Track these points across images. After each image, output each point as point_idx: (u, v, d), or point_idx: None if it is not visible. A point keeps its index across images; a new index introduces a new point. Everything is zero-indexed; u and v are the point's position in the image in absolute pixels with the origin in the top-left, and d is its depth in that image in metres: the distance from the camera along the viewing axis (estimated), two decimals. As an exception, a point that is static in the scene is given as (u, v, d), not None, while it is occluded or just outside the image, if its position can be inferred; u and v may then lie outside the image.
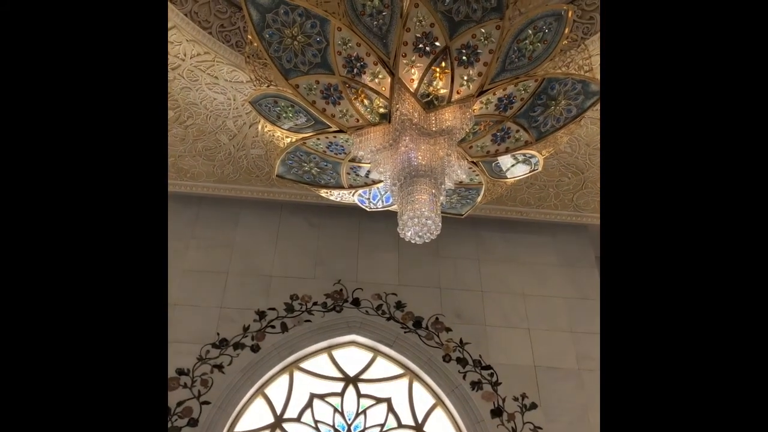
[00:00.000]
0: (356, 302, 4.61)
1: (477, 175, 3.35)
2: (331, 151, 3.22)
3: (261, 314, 4.45)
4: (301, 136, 3.17)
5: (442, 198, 2.93)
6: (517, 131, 3.09)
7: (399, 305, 4.63)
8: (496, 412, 4.15)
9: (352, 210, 4.19)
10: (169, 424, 3.85)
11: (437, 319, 4.58)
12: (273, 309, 4.49)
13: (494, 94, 2.89)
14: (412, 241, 2.94)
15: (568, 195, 4.85)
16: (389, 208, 3.61)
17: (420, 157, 2.83)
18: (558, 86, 2.89)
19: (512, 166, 3.38)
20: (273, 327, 4.40)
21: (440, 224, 2.86)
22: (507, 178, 3.45)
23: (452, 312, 4.63)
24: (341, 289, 4.67)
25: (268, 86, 3.00)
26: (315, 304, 4.57)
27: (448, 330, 4.53)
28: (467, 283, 4.81)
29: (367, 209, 3.71)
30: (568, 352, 4.48)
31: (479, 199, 3.51)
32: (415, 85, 2.80)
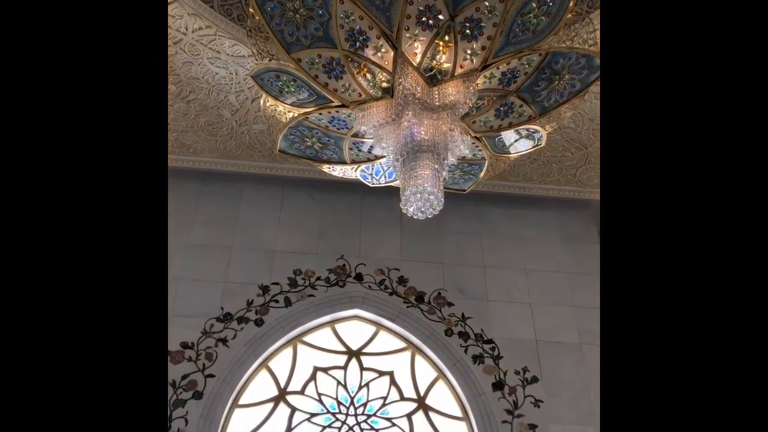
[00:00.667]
0: (359, 277, 4.64)
1: (480, 150, 3.34)
2: (334, 126, 3.21)
3: (264, 289, 4.48)
4: (303, 110, 3.16)
5: (444, 173, 2.92)
6: (521, 106, 3.07)
7: (401, 280, 4.65)
8: (498, 386, 4.19)
9: (355, 186, 4.18)
10: (174, 397, 3.90)
11: (439, 293, 4.61)
12: (276, 284, 4.52)
13: (498, 68, 2.87)
14: (415, 217, 2.94)
15: (571, 170, 4.84)
16: (392, 184, 3.61)
17: (423, 132, 2.82)
18: (562, 60, 2.87)
19: (515, 141, 3.37)
20: (276, 301, 4.43)
21: (443, 200, 2.86)
22: (510, 154, 3.44)
23: (454, 287, 4.65)
24: (344, 265, 4.69)
25: (270, 60, 2.98)
26: (318, 279, 4.59)
27: (450, 305, 4.56)
28: (469, 259, 4.83)
29: (370, 185, 3.71)
30: (570, 326, 4.50)
31: (482, 174, 3.50)
32: (418, 59, 2.79)
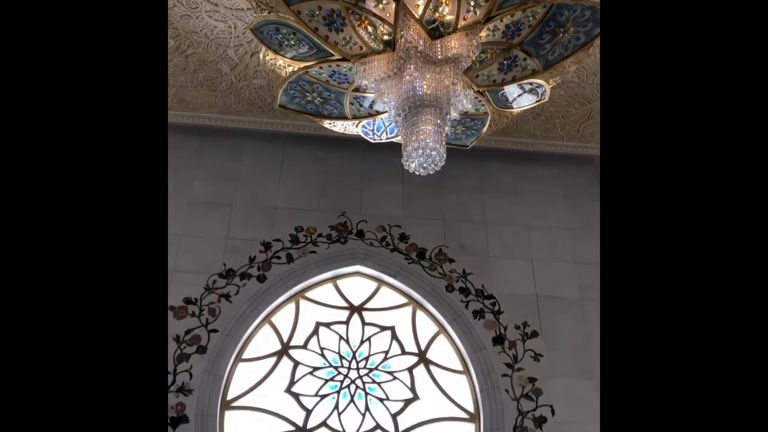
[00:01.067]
0: (360, 234, 4.65)
1: (483, 105, 3.30)
2: (334, 80, 3.17)
3: (266, 245, 4.49)
4: (303, 64, 3.12)
5: (447, 128, 2.90)
6: (525, 59, 3.03)
7: (403, 237, 4.66)
8: (498, 340, 4.24)
9: (356, 142, 4.16)
10: (179, 351, 3.95)
11: (441, 250, 4.62)
12: (278, 240, 4.53)
13: (502, 20, 2.82)
14: (417, 173, 2.93)
15: (575, 126, 4.79)
16: (393, 140, 3.58)
17: (425, 86, 2.79)
18: (567, 13, 2.82)
19: (519, 96, 3.33)
20: (278, 258, 4.45)
21: (445, 155, 2.85)
22: (513, 109, 3.41)
23: (456, 243, 4.67)
24: (345, 222, 4.69)
25: (269, 13, 2.93)
26: (320, 235, 4.60)
27: (452, 261, 4.58)
28: (471, 215, 4.83)
29: (371, 141, 3.69)
30: (571, 282, 4.53)
31: (485, 129, 3.48)
32: (420, 11, 2.73)
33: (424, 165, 2.84)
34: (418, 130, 2.80)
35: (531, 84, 3.24)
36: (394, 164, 4.20)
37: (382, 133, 3.60)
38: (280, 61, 3.16)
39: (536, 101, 3.37)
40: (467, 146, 3.67)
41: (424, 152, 2.79)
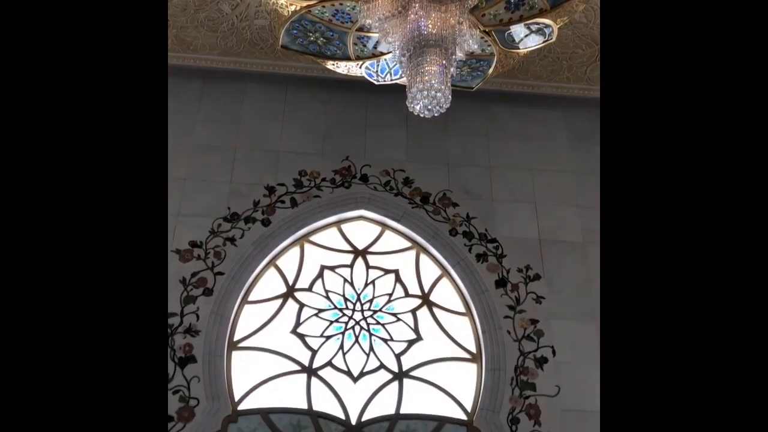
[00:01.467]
0: (364, 178, 4.64)
1: (489, 45, 3.24)
2: (338, 19, 3.11)
3: (270, 189, 4.50)
4: (305, 3, 3.05)
5: (452, 69, 2.86)
6: (532, -3, 2.95)
7: (407, 181, 4.65)
8: (501, 283, 4.28)
9: (360, 85, 4.10)
10: (185, 294, 4.01)
11: (445, 194, 4.62)
12: (282, 185, 4.53)
13: (509, -44, 2.73)
14: (421, 115, 2.90)
15: (581, 68, 4.71)
16: (398, 82, 3.54)
17: (430, 26, 2.73)
18: (577, -53, 2.73)
19: (525, 36, 3.27)
20: (282, 202, 4.46)
21: (450, 97, 2.81)
22: (519, 49, 3.35)
23: (460, 187, 4.66)
24: (349, 166, 4.68)
25: (270, -51, 2.84)
26: (323, 180, 4.60)
27: (456, 205, 4.58)
28: (475, 159, 4.81)
29: (375, 83, 3.64)
30: (574, 226, 4.54)
31: (490, 71, 3.43)
32: (425, -54, 2.65)
33: (429, 107, 2.81)
34: (423, 71, 2.76)
35: (538, 24, 3.17)
36: (398, 108, 4.16)
37: (386, 75, 3.55)
38: (282, 0, 3.09)
39: (543, 42, 3.30)
40: (473, 88, 3.62)
41: (429, 93, 2.75)
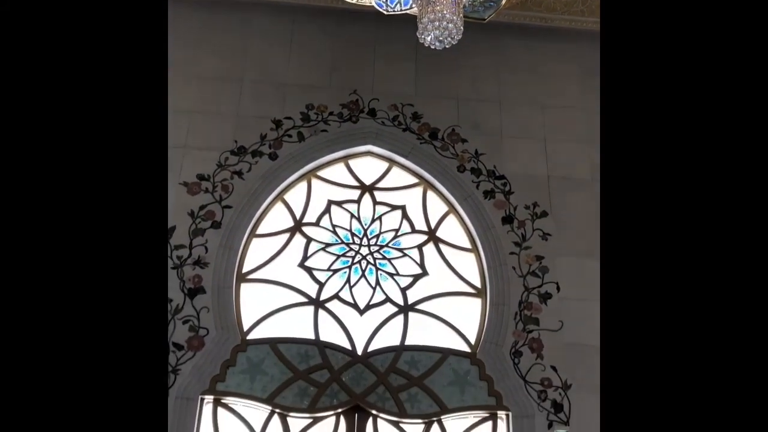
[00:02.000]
0: (372, 113, 4.58)
1: (503, -26, 3.14)
2: (347, -55, 3.00)
3: (277, 123, 4.46)
4: (314, -72, 2.93)
5: (464, 0, 2.77)
6: (550, -77, 2.83)
7: (415, 116, 4.60)
8: (507, 219, 4.29)
9: (369, 16, 4.00)
10: (194, 226, 4.04)
11: (453, 130, 4.57)
12: (289, 118, 4.49)
13: None
14: (432, 47, 2.84)
15: (596, 1, 4.57)
16: (408, 12, 3.44)
17: (443, -48, 2.64)
18: None
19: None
20: (290, 136, 4.43)
21: (462, 28, 2.74)
22: (534, -21, 3.23)
23: (469, 123, 4.60)
24: (357, 99, 4.61)
25: None
26: (331, 114, 4.55)
27: (464, 141, 4.54)
28: (485, 94, 4.73)
29: (385, 12, 3.54)
30: (583, 162, 4.50)
31: (504, 1, 3.32)
32: None
33: (440, 38, 2.75)
34: (435, 0, 2.68)
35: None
36: (407, 40, 4.08)
37: (395, 5, 3.44)
38: (290, -76, 2.98)
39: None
40: (485, 19, 3.51)
41: (441, 24, 2.68)
